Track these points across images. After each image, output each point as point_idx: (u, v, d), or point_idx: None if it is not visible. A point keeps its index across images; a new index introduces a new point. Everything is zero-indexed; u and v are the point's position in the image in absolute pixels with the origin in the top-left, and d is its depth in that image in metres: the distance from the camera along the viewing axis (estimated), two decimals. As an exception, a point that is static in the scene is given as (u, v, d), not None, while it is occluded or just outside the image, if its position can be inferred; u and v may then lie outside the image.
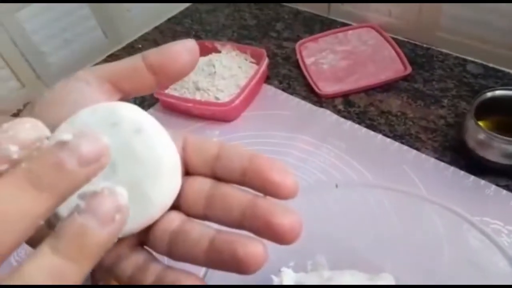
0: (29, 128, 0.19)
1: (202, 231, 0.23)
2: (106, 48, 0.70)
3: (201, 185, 0.24)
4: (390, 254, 0.36)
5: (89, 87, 0.25)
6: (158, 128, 0.24)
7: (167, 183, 0.23)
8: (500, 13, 0.52)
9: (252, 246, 0.21)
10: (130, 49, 0.71)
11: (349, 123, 0.52)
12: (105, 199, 0.19)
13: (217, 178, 0.24)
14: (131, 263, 0.24)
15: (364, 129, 0.51)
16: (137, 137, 0.23)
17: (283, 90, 0.58)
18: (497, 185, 0.43)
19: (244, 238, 0.21)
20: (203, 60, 0.60)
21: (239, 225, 0.22)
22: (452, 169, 0.45)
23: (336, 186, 0.37)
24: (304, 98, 0.56)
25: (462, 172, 0.45)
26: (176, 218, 0.24)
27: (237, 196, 0.23)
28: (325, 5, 0.69)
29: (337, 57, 0.60)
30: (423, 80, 0.56)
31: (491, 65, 0.56)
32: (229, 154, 0.24)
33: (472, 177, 0.44)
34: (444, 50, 0.59)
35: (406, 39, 0.62)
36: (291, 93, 0.57)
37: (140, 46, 0.71)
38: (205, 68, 0.58)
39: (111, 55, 0.70)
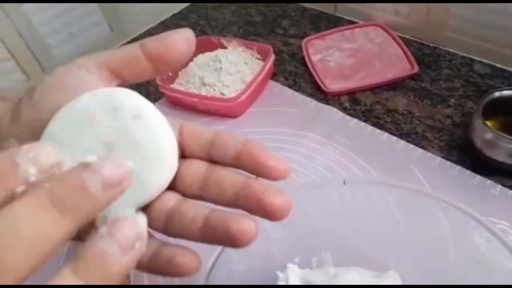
0: (49, 152, 0.19)
1: (197, 210, 0.24)
2: (111, 42, 0.70)
3: (197, 167, 0.25)
4: (395, 252, 0.36)
5: (89, 74, 0.25)
6: (156, 114, 0.25)
7: (165, 165, 0.25)
8: (507, 13, 0.52)
9: (244, 223, 0.22)
10: (136, 44, 0.71)
11: (355, 121, 0.52)
12: (127, 226, 0.19)
13: (212, 161, 0.25)
14: None
15: (370, 127, 0.51)
16: (137, 122, 0.24)
17: (289, 87, 0.58)
18: (503, 185, 0.43)
19: (237, 215, 0.23)
20: (209, 55, 0.60)
21: (233, 204, 0.24)
22: (458, 168, 0.45)
23: (344, 183, 0.37)
24: (310, 95, 0.56)
25: (468, 172, 0.44)
26: (173, 198, 0.25)
27: (231, 178, 0.24)
28: (332, 2, 0.69)
29: (343, 55, 0.60)
30: (430, 79, 0.55)
31: (498, 65, 0.56)
32: (224, 139, 0.25)
33: (478, 177, 0.44)
34: (451, 50, 0.59)
35: (413, 38, 0.62)
36: (297, 90, 0.57)
37: (145, 40, 0.71)
38: (211, 63, 0.58)
39: (116, 49, 0.70)
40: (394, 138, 0.49)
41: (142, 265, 0.25)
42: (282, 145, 0.50)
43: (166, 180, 0.25)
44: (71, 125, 0.25)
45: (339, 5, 0.68)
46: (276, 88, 0.58)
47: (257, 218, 0.23)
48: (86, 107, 0.24)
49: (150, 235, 0.25)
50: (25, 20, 0.59)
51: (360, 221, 0.37)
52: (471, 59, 0.57)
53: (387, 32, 0.62)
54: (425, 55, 0.59)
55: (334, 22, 0.68)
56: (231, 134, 0.26)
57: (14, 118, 0.25)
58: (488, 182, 0.43)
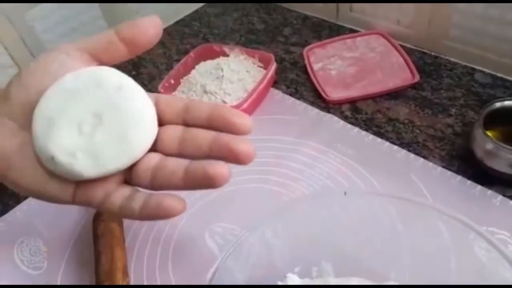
0: None
1: (178, 163, 0.28)
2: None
3: (174, 130, 0.30)
4: (396, 263, 0.36)
5: (70, 57, 0.29)
6: (136, 85, 0.29)
7: (147, 128, 0.28)
8: (509, 23, 0.52)
9: (219, 167, 0.27)
10: (138, 51, 0.71)
11: (356, 129, 0.52)
12: None
13: (187, 125, 0.30)
14: (119, 195, 0.29)
15: (371, 136, 0.51)
16: (119, 93, 0.28)
17: (291, 95, 0.58)
18: (504, 195, 0.43)
19: (212, 161, 0.27)
20: (211, 63, 0.60)
21: (208, 156, 0.28)
22: (459, 178, 0.45)
23: (345, 193, 0.37)
24: (312, 103, 0.56)
25: (469, 182, 0.44)
26: (155, 157, 0.29)
27: (204, 135, 0.29)
28: (333, 11, 0.69)
29: (345, 63, 0.60)
30: (431, 88, 0.56)
31: (499, 74, 0.56)
32: (196, 105, 0.30)
33: (479, 187, 0.44)
34: (452, 59, 0.59)
35: (414, 47, 0.62)
36: (298, 98, 0.57)
37: (148, 47, 0.71)
38: (213, 71, 0.58)
39: (119, 56, 0.70)
40: (395, 147, 0.49)
41: (134, 215, 0.28)
42: (283, 153, 0.51)
43: (149, 141, 0.29)
44: (59, 101, 0.28)
45: (341, 13, 0.68)
46: (277, 96, 0.58)
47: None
48: (72, 85, 0.28)
49: (138, 190, 0.29)
50: (28, 28, 0.59)
51: (361, 231, 0.37)
52: (473, 69, 0.58)
53: (389, 41, 0.62)
54: (427, 64, 0.59)
55: (336, 31, 0.68)
56: (201, 101, 0.32)
57: (5, 100, 0.29)
58: (489, 192, 0.43)
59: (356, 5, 0.66)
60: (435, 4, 0.57)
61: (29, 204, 0.49)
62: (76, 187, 0.29)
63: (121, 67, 0.68)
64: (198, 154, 0.28)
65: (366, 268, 0.36)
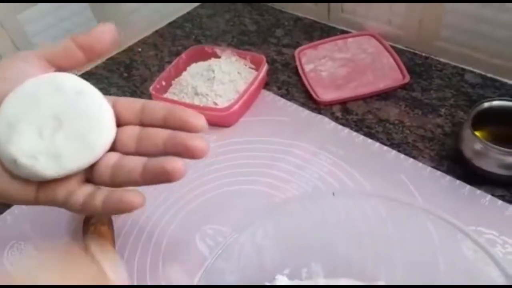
0: None
1: (136, 161, 0.30)
2: (106, 51, 0.70)
3: (132, 131, 0.32)
4: (385, 263, 0.36)
5: (29, 64, 0.31)
6: (94, 89, 0.31)
7: (105, 129, 0.30)
8: (498, 24, 0.53)
9: (175, 162, 0.29)
10: (130, 52, 0.71)
11: (347, 130, 0.52)
12: None
13: (144, 125, 0.32)
14: (82, 193, 0.30)
15: (361, 137, 0.51)
16: (79, 97, 0.30)
17: (282, 96, 0.58)
18: (493, 195, 0.43)
19: (169, 157, 0.29)
20: (202, 65, 0.60)
21: (164, 153, 0.30)
22: (448, 178, 0.45)
23: (333, 194, 0.37)
24: (303, 104, 0.57)
25: (458, 181, 0.45)
26: (115, 156, 0.31)
27: (160, 133, 0.31)
28: (325, 12, 0.69)
29: (336, 65, 0.61)
30: (421, 89, 0.56)
31: (489, 75, 0.56)
32: (152, 106, 0.32)
33: (468, 187, 0.44)
34: (442, 60, 0.60)
35: (405, 48, 0.62)
36: (290, 100, 0.58)
37: (139, 49, 0.71)
38: (204, 73, 0.58)
39: (110, 58, 0.70)
40: (385, 147, 0.49)
41: (97, 210, 0.30)
42: (274, 154, 0.51)
43: (108, 141, 0.30)
44: (20, 106, 0.29)
45: (332, 14, 0.69)
46: (268, 97, 0.59)
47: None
48: (32, 90, 0.29)
49: (99, 188, 0.31)
50: (20, 31, 0.59)
51: (351, 232, 0.37)
52: (463, 69, 0.58)
53: (380, 42, 0.63)
54: (417, 65, 0.59)
55: (327, 32, 0.68)
56: (157, 101, 0.33)
57: None
58: (478, 192, 0.44)
59: (348, 6, 0.66)
60: (425, 4, 0.57)
61: (20, 208, 0.48)
62: (38, 187, 0.30)
63: (113, 69, 0.68)
64: (155, 152, 0.30)
65: (355, 269, 0.36)
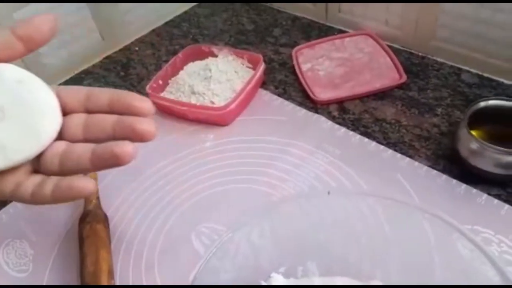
0: None
1: (84, 147, 0.30)
2: (103, 50, 0.70)
3: (78, 118, 0.32)
4: (381, 262, 0.36)
5: None
6: (36, 78, 0.30)
7: (51, 118, 0.30)
8: (495, 24, 0.53)
9: (125, 145, 0.29)
10: (127, 51, 0.71)
11: (343, 129, 0.52)
12: None
13: (90, 112, 0.32)
14: (30, 184, 0.30)
15: (358, 136, 0.51)
16: (21, 85, 0.29)
17: (279, 95, 0.58)
18: (489, 194, 0.43)
19: (118, 141, 0.29)
20: (200, 64, 0.60)
21: (112, 138, 0.30)
22: (444, 177, 0.45)
23: (328, 193, 0.37)
24: (300, 104, 0.57)
25: (455, 181, 0.45)
26: (62, 145, 0.31)
27: (107, 118, 0.31)
28: (322, 11, 0.69)
29: (333, 64, 0.61)
30: (418, 88, 0.56)
31: (485, 74, 0.56)
32: (97, 93, 0.32)
33: (464, 186, 0.44)
34: (439, 59, 0.60)
35: (402, 48, 0.62)
36: (287, 99, 0.58)
37: (136, 48, 0.71)
38: (201, 72, 0.58)
39: (107, 56, 0.70)
40: (382, 147, 0.49)
41: (47, 199, 0.30)
42: (271, 153, 0.51)
43: (54, 130, 0.30)
44: None
45: (330, 14, 0.69)
46: (266, 96, 0.58)
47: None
48: None
49: (49, 177, 0.30)
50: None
51: (347, 230, 0.37)
52: (459, 69, 0.58)
53: (377, 41, 0.63)
54: (414, 65, 0.60)
55: (325, 31, 0.68)
56: (102, 88, 0.33)
57: None
58: (474, 191, 0.44)
59: (345, 6, 0.66)
60: (422, 4, 0.57)
61: (15, 207, 0.48)
62: None
63: (110, 68, 0.68)
64: (102, 137, 0.31)
65: (351, 268, 0.36)
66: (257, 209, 0.38)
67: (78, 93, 0.32)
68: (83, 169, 0.30)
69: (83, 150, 0.30)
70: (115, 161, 0.29)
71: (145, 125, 0.30)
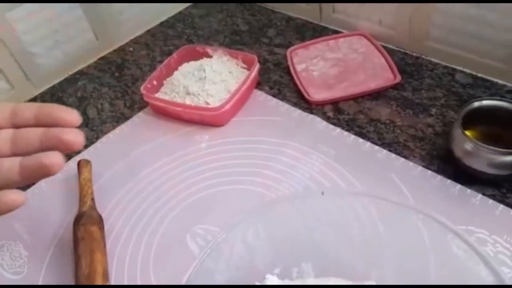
0: None
1: (12, 161, 0.30)
2: (97, 50, 0.70)
3: (6, 133, 0.32)
4: (376, 262, 0.36)
5: None
6: None
7: None
8: (488, 24, 0.53)
9: (53, 156, 0.29)
10: (121, 52, 0.71)
11: (338, 130, 0.52)
12: None
13: (17, 127, 0.32)
14: None
15: (353, 136, 0.51)
16: None
17: (274, 96, 0.58)
18: (484, 194, 0.43)
19: (46, 152, 0.29)
20: (194, 64, 0.60)
21: (40, 149, 0.30)
22: (439, 177, 0.45)
23: (322, 193, 0.37)
24: (294, 104, 0.57)
25: (449, 181, 0.45)
26: None
27: (34, 131, 0.31)
28: (317, 12, 0.69)
29: (327, 64, 0.61)
30: (412, 88, 0.56)
31: (479, 75, 0.56)
32: (23, 107, 0.32)
33: (459, 186, 0.44)
34: (433, 60, 0.60)
35: (396, 48, 0.63)
36: (282, 99, 0.58)
37: (131, 49, 0.71)
38: (195, 72, 0.58)
39: (102, 57, 0.70)
40: (376, 147, 0.49)
41: None
42: (266, 154, 0.51)
43: None
44: None
45: (324, 14, 0.69)
46: (260, 97, 0.58)
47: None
48: None
49: None
50: (9, 29, 0.59)
51: (342, 231, 0.37)
52: (453, 69, 0.58)
53: (371, 41, 0.63)
54: (408, 65, 0.60)
55: (319, 32, 0.68)
56: (28, 103, 0.33)
57: None
58: (469, 191, 0.44)
59: (339, 6, 0.66)
60: (416, 4, 0.57)
61: (9, 208, 0.48)
62: None
63: (105, 69, 0.67)
64: (30, 150, 0.31)
65: (346, 268, 0.36)
66: (252, 210, 0.38)
67: (3, 109, 0.32)
68: (13, 182, 0.30)
69: (11, 164, 0.30)
70: (44, 172, 0.29)
71: (71, 135, 0.30)
